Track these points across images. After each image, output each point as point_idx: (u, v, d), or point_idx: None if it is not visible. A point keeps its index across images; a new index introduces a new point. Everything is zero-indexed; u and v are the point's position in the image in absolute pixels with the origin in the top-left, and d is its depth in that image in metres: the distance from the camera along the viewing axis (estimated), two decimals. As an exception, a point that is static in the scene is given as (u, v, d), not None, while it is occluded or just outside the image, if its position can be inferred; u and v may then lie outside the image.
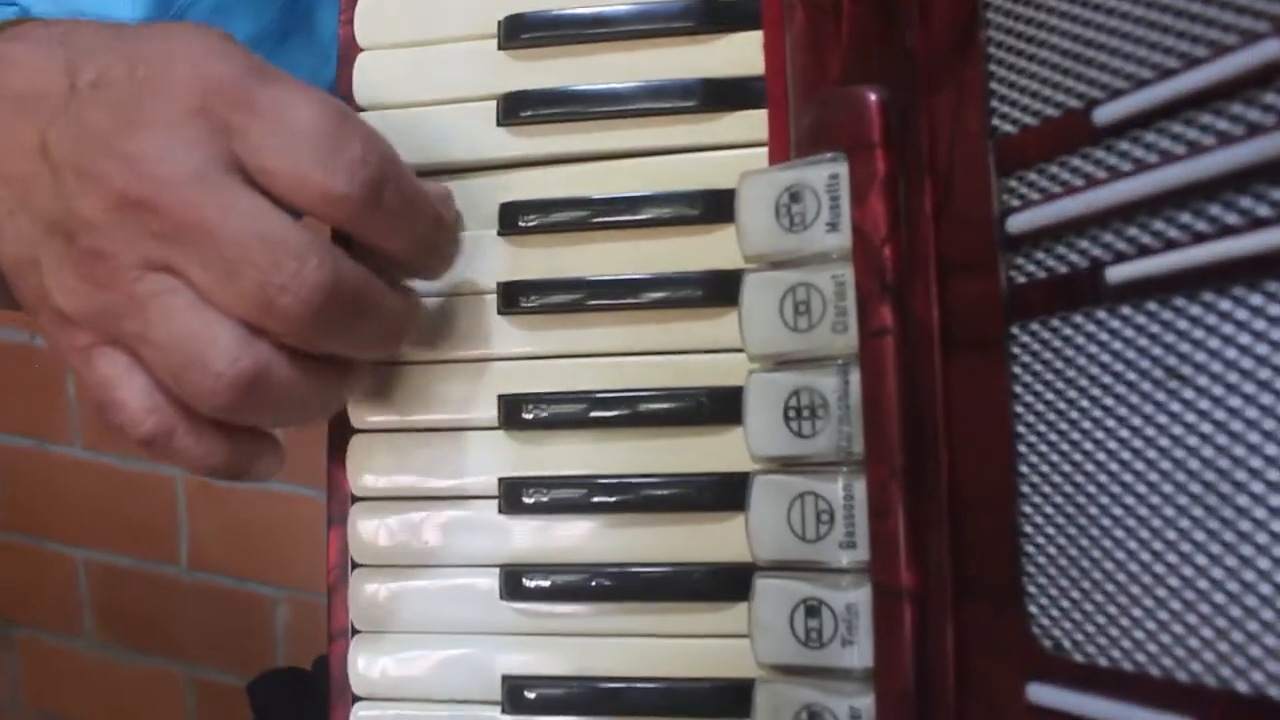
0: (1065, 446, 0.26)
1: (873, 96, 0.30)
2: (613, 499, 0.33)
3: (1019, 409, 0.27)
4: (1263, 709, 0.21)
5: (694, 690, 0.32)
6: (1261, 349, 0.22)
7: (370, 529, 0.35)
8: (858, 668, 0.29)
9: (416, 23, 0.36)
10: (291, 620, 1.17)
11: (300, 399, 0.31)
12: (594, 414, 0.33)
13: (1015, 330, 0.27)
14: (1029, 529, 0.26)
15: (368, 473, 0.35)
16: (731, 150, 0.35)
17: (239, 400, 0.29)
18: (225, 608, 1.18)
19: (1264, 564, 0.21)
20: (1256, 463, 0.22)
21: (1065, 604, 0.26)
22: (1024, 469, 0.27)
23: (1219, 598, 0.22)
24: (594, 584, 0.33)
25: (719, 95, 0.34)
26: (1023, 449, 0.27)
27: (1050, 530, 0.26)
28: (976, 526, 0.28)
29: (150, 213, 0.28)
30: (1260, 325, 0.22)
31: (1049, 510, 0.26)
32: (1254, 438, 0.22)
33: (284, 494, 1.08)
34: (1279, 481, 0.21)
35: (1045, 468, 0.26)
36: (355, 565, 0.35)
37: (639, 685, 0.33)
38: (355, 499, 0.35)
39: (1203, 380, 0.23)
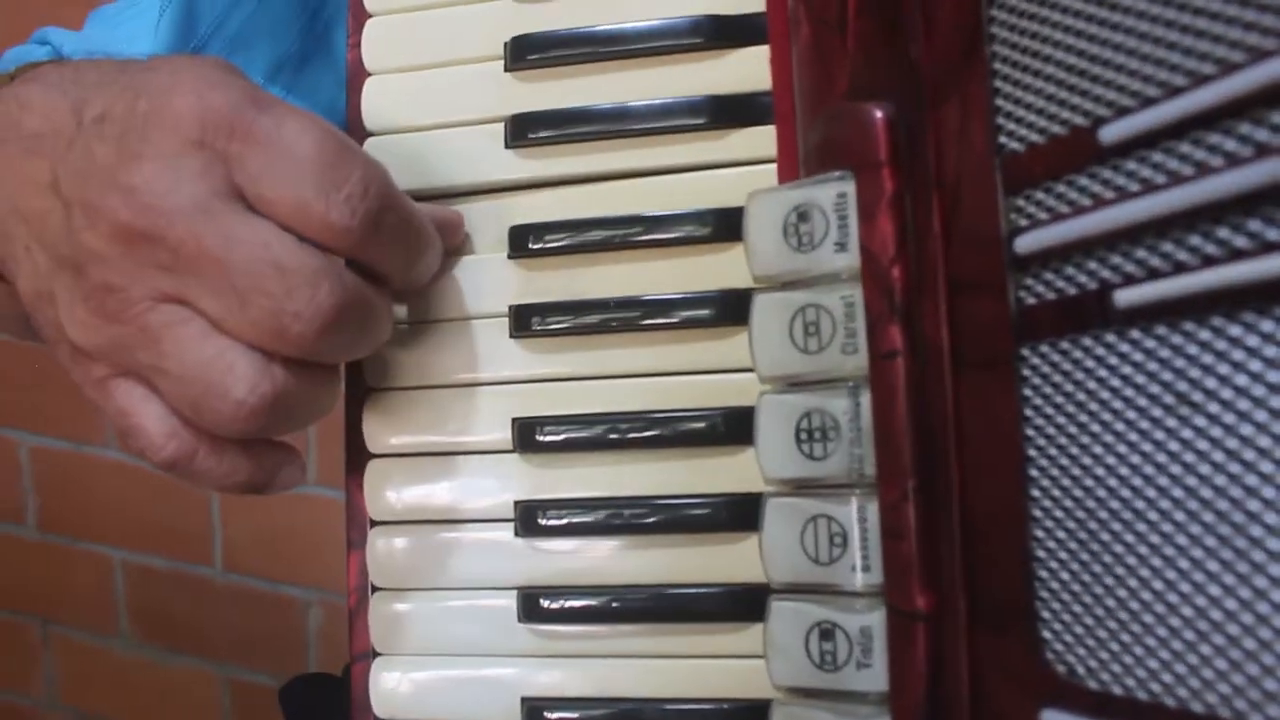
0: (1076, 470, 0.25)
1: (879, 114, 0.30)
2: (627, 520, 0.33)
3: (1029, 431, 0.26)
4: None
5: (711, 712, 0.32)
6: (1273, 376, 0.21)
7: (388, 552, 0.35)
8: (872, 691, 0.29)
9: (423, 46, 0.36)
10: (324, 623, 1.18)
11: (309, 406, 0.31)
12: (607, 435, 0.34)
13: (1025, 351, 0.26)
14: (1041, 553, 0.26)
15: (385, 497, 0.35)
16: (741, 167, 0.34)
17: (261, 423, 0.30)
18: (259, 609, 1.20)
19: (1278, 597, 0.21)
20: (1270, 493, 0.21)
21: (1079, 629, 0.25)
22: (1035, 492, 0.26)
23: (1233, 629, 0.22)
24: (610, 605, 0.33)
25: (727, 112, 0.34)
26: (1034, 472, 0.26)
27: (1063, 554, 0.26)
28: (989, 549, 0.27)
29: (156, 244, 0.29)
30: (1271, 352, 0.21)
31: (1061, 534, 0.26)
32: (1267, 467, 0.21)
33: (318, 497, 1.09)
34: (1291, 513, 0.21)
35: (1057, 491, 0.26)
36: (375, 589, 0.35)
37: (656, 706, 0.33)
38: (374, 523, 0.35)
39: (1213, 407, 0.22)
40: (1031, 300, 0.26)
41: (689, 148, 0.34)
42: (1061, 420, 0.26)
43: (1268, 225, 0.21)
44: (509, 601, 0.34)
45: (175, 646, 1.29)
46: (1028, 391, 0.26)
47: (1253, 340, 0.22)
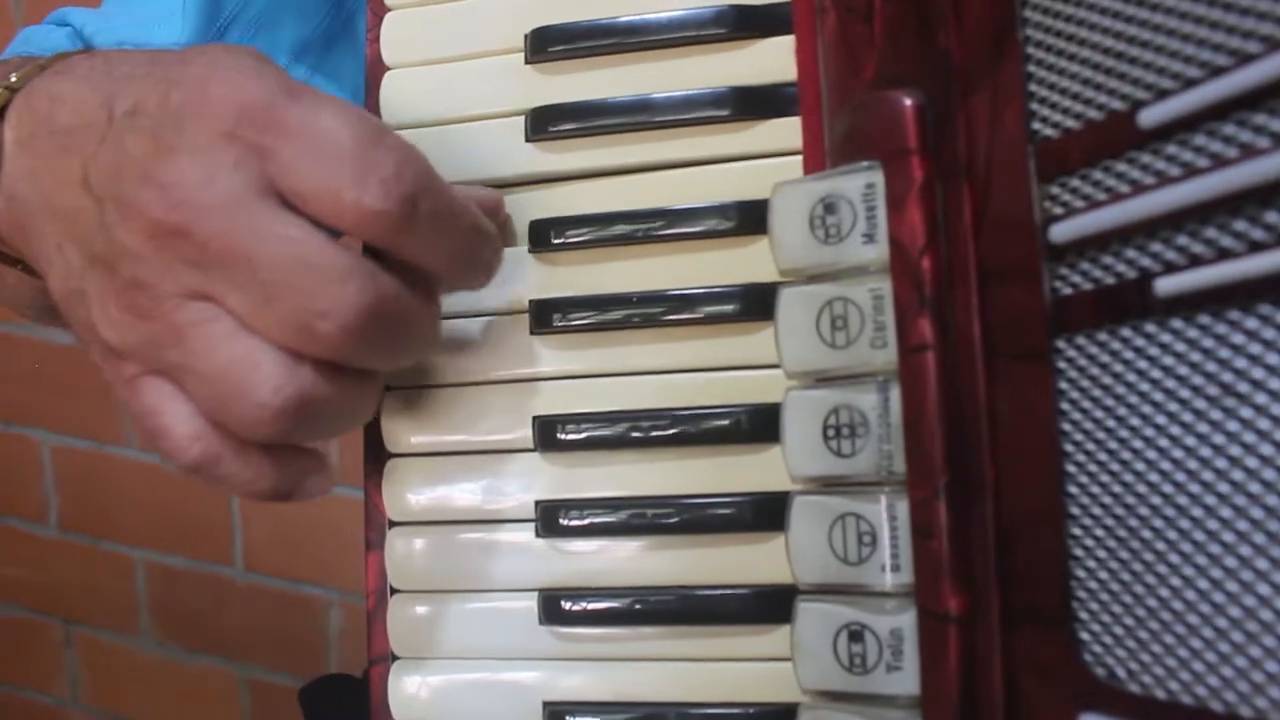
0: (1116, 466, 0.24)
1: (908, 101, 0.29)
2: (650, 520, 0.33)
3: (1066, 426, 0.26)
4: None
5: (737, 715, 0.32)
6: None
7: (407, 554, 0.35)
8: (903, 695, 0.28)
9: (442, 39, 0.36)
10: (345, 623, 1.18)
11: (341, 414, 0.30)
12: (630, 434, 0.33)
13: (1061, 344, 0.26)
14: (1079, 551, 0.25)
15: (404, 497, 0.35)
16: (766, 159, 0.34)
17: (286, 427, 0.29)
18: (279, 609, 1.20)
19: (1331, 596, 0.20)
20: (1321, 487, 0.20)
21: (1119, 630, 0.24)
22: (1073, 489, 0.25)
23: (1284, 629, 0.21)
24: (633, 607, 0.33)
25: (751, 103, 0.33)
26: (1071, 468, 0.25)
27: (1101, 553, 0.25)
28: (1024, 548, 0.27)
29: (186, 240, 0.28)
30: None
31: (1100, 532, 0.25)
32: (1318, 460, 0.20)
33: (340, 497, 1.09)
34: (1346, 508, 0.20)
35: (1096, 488, 0.25)
36: (394, 591, 0.35)
37: (681, 710, 0.32)
38: (392, 524, 0.35)
39: (1261, 398, 0.21)
40: (1068, 290, 0.26)
41: (713, 140, 0.34)
42: (1100, 414, 0.25)
43: (1316, 209, 0.20)
44: (530, 604, 0.33)
45: (196, 646, 1.29)
46: (1064, 385, 0.26)
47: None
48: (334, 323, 0.28)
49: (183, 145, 0.28)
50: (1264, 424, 0.21)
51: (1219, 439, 0.22)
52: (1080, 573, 0.25)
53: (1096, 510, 0.25)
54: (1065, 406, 0.26)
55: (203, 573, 1.25)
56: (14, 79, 0.33)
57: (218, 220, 0.28)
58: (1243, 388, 0.22)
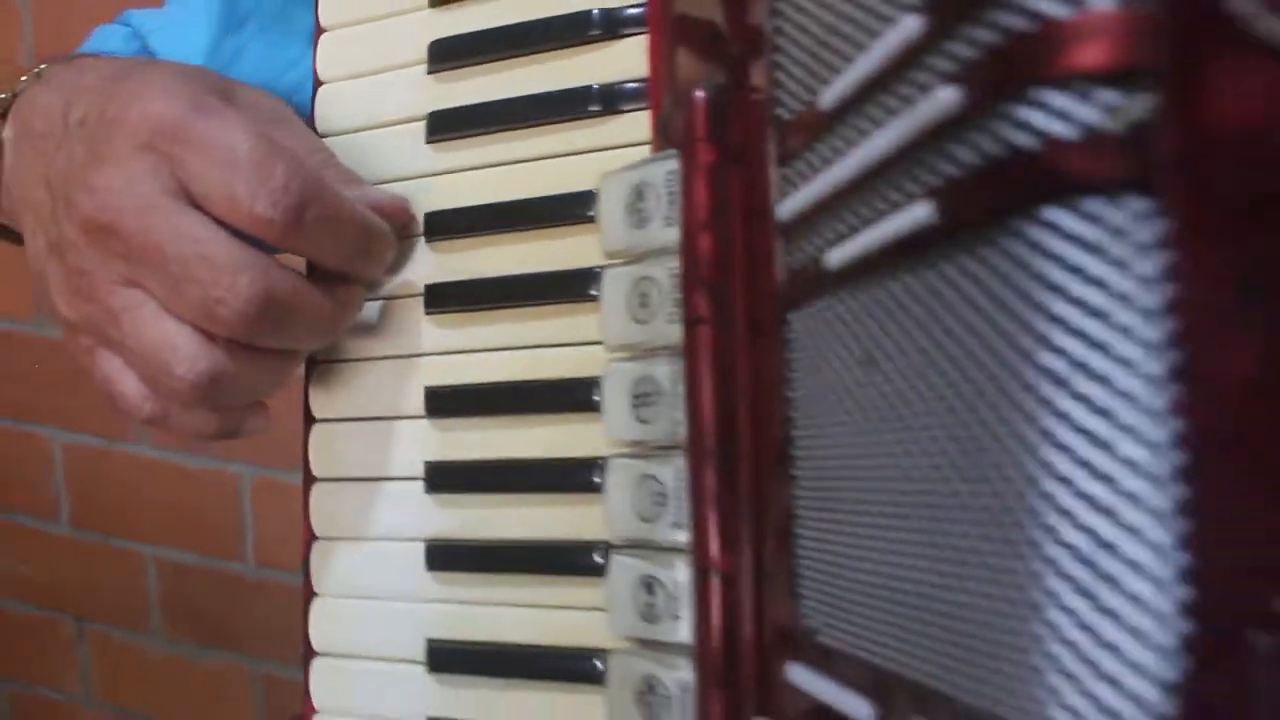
0: (813, 435, 0.26)
1: (700, 94, 0.31)
2: (512, 480, 0.36)
3: (790, 396, 0.27)
4: (928, 698, 0.21)
5: (574, 654, 0.35)
6: (936, 330, 0.22)
7: (325, 506, 0.40)
8: (685, 643, 0.31)
9: (363, 55, 0.40)
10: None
11: (253, 385, 0.36)
12: (498, 403, 0.37)
13: (789, 318, 0.27)
14: (799, 514, 0.27)
15: (324, 457, 0.40)
16: (626, 150, 0.36)
17: (202, 396, 0.35)
18: (291, 605, 1.19)
19: (906, 566, 0.21)
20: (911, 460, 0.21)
21: (820, 590, 0.26)
22: (795, 456, 0.27)
23: (904, 593, 0.22)
24: (497, 557, 0.36)
25: (612, 99, 0.36)
26: (795, 434, 0.27)
27: (809, 515, 0.26)
28: (767, 510, 0.28)
29: (114, 236, 0.34)
30: (914, 305, 0.21)
31: (808, 497, 0.26)
32: (918, 434, 0.22)
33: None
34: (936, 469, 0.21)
35: (806, 457, 0.26)
36: (315, 537, 0.40)
37: (537, 650, 0.35)
38: (315, 479, 0.40)
39: (890, 367, 0.23)
40: (794, 267, 0.27)
41: (582, 134, 0.37)
42: (806, 386, 0.26)
43: (914, 180, 0.22)
44: (418, 549, 0.38)
45: (208, 642, 1.28)
46: (790, 357, 0.27)
47: (921, 291, 0.22)
48: (230, 309, 0.33)
49: (109, 155, 0.34)
50: (887, 389, 0.23)
51: (865, 404, 0.24)
52: (800, 533, 0.27)
53: (807, 478, 0.26)
54: (791, 378, 0.27)
55: (214, 569, 1.24)
56: (20, 84, 0.40)
57: (137, 220, 0.34)
58: (879, 354, 0.23)
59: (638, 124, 0.36)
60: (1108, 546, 0.17)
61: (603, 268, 0.34)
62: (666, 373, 0.32)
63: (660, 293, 0.32)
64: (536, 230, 0.37)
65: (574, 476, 0.35)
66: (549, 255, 0.37)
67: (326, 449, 0.40)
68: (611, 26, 0.36)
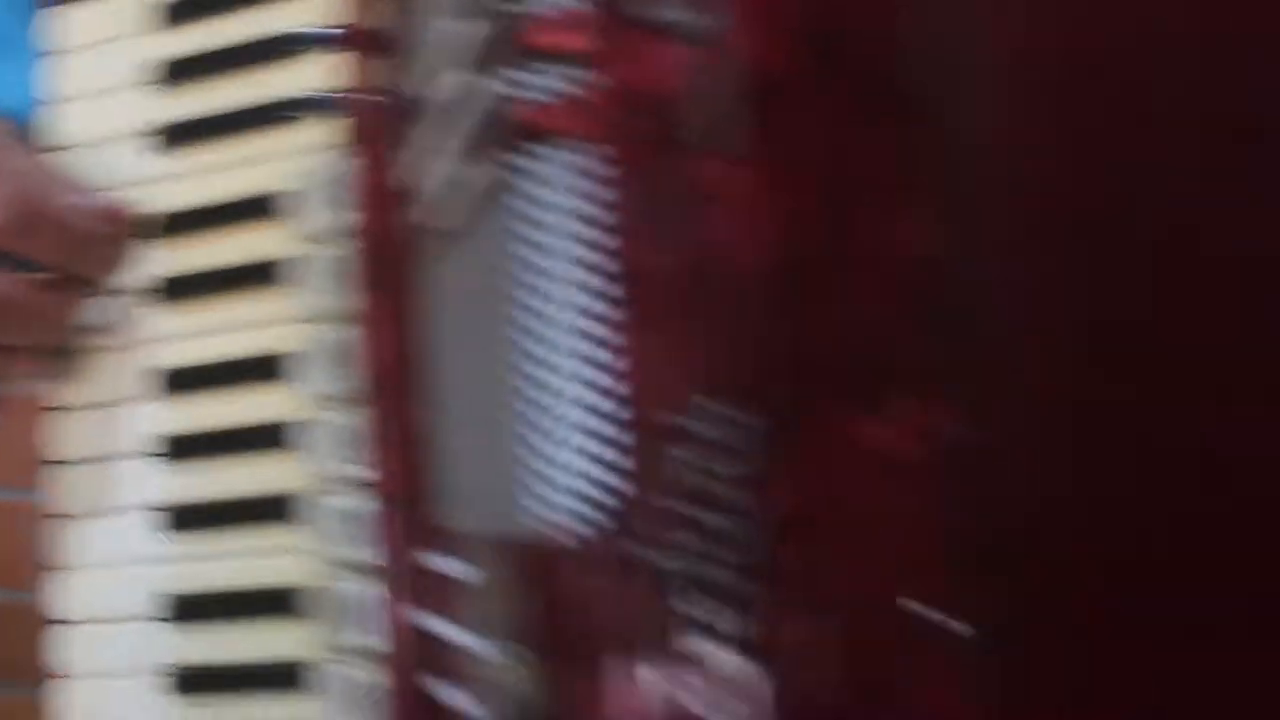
0: (443, 363, 0.32)
1: (363, 96, 0.37)
2: (237, 445, 0.41)
3: (430, 335, 0.33)
4: (491, 545, 0.27)
5: (292, 594, 0.39)
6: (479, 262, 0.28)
7: (69, 484, 0.44)
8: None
9: (99, 75, 0.45)
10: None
11: None
12: (215, 379, 0.41)
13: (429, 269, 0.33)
14: (433, 430, 0.33)
15: (65, 440, 0.44)
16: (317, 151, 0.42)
17: None
18: None
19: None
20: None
21: (445, 483, 0.32)
22: (432, 384, 0.33)
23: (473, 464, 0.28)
24: (226, 513, 0.41)
25: (314, 105, 0.42)
26: (434, 368, 0.33)
27: (439, 431, 0.32)
28: (416, 433, 0.34)
29: None
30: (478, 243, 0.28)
31: (440, 416, 0.32)
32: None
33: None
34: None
35: (438, 383, 0.32)
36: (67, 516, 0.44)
37: (252, 594, 0.40)
38: (58, 462, 0.44)
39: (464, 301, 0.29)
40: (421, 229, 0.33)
41: (294, 135, 0.42)
42: (442, 324, 0.32)
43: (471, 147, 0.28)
44: (155, 516, 0.42)
45: None
46: (427, 303, 0.33)
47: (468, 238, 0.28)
48: None
49: None
50: (470, 309, 0.29)
51: (462, 327, 0.30)
52: (432, 444, 0.33)
53: (438, 396, 0.32)
54: (431, 320, 0.33)
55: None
56: None
57: None
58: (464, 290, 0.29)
59: (325, 128, 0.42)
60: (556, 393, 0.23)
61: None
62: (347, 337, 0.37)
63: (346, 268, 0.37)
64: (249, 224, 0.42)
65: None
66: (263, 245, 0.42)
67: (65, 433, 0.44)
68: (303, 46, 0.42)
